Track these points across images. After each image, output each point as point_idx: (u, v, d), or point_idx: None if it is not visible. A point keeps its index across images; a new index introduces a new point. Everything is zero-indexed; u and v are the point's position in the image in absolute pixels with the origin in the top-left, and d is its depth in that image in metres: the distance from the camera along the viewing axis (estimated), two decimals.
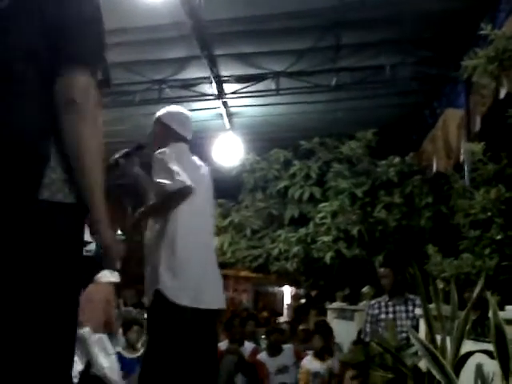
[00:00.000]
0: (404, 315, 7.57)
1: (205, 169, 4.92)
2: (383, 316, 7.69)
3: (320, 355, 8.63)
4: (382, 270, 8.04)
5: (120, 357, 8.65)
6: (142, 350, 8.78)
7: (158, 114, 4.93)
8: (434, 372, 4.28)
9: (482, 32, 5.70)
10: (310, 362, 8.65)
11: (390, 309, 7.74)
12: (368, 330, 7.78)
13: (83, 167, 2.41)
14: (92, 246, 7.78)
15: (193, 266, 4.30)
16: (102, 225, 2.48)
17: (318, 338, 8.78)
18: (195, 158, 4.89)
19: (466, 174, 8.43)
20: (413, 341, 4.88)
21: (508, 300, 5.13)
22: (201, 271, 4.33)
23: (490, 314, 4.16)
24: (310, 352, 8.89)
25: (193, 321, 4.20)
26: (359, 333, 8.47)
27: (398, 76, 10.13)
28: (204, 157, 5.52)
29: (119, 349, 8.84)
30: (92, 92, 2.43)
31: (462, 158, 8.85)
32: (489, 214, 6.21)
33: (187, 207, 4.40)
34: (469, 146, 6.96)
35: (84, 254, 2.59)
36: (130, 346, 8.96)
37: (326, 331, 9.20)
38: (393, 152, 10.87)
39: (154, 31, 9.09)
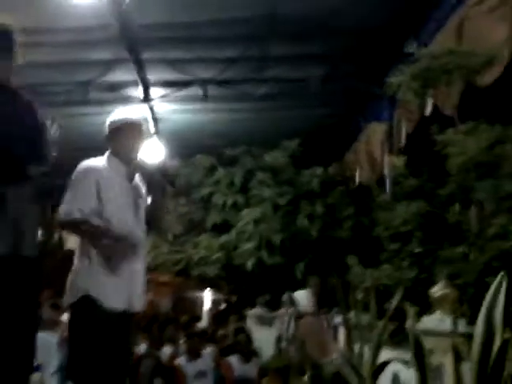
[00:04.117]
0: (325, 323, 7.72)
1: None
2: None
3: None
4: (314, 279, 8.21)
5: None
6: None
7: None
8: (352, 379, 4.40)
9: (407, 50, 5.85)
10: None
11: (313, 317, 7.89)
12: (289, 336, 7.89)
13: None
14: None
15: None
16: None
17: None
18: None
19: (387, 187, 8.63)
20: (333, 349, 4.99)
21: (425, 310, 5.28)
22: None
23: (408, 325, 4.29)
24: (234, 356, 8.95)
25: None
26: (278, 339, 8.56)
27: (324, 88, 10.29)
28: None
29: None
30: None
31: (385, 171, 9.05)
32: (409, 227, 6.39)
33: None
34: (391, 160, 7.14)
35: None
36: None
37: (246, 336, 9.29)
38: (316, 162, 11.01)
39: (81, 32, 8.96)
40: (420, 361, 4.10)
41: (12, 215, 3.41)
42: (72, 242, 17.87)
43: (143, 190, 4.63)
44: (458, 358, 4.05)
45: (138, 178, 4.62)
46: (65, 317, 11.21)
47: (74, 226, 4.39)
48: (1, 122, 3.41)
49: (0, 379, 3.23)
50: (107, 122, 4.58)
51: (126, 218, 4.41)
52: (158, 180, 4.69)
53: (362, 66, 9.75)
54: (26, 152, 3.44)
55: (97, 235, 4.33)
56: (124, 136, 4.50)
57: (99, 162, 4.51)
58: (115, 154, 4.51)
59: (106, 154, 4.56)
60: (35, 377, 8.21)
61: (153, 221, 4.69)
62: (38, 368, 8.32)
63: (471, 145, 5.34)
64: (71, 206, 4.30)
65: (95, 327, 4.30)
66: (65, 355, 9.63)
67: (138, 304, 4.47)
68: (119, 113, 4.63)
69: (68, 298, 4.40)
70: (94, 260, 4.34)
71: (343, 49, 9.36)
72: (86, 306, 4.32)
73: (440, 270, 5.66)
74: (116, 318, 4.29)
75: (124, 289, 4.33)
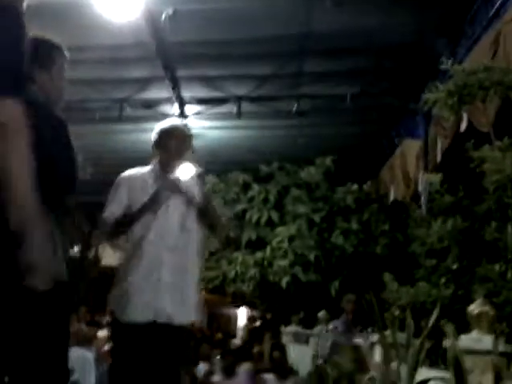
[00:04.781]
0: (361, 341, 7.70)
1: None
2: (344, 341, 7.83)
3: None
4: (349, 296, 8.20)
5: None
6: None
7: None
8: None
9: (442, 67, 5.82)
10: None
11: (349, 334, 7.89)
12: (327, 353, 7.89)
13: (14, 194, 2.44)
14: None
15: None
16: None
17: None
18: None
19: (423, 203, 8.58)
20: (369, 367, 4.97)
21: (463, 328, 5.23)
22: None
23: (448, 343, 4.26)
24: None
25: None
26: (315, 357, 8.55)
27: (359, 105, 10.27)
28: None
29: None
30: (19, 119, 2.37)
31: (419, 187, 9.00)
32: (445, 243, 6.34)
33: None
34: (427, 177, 7.10)
35: None
36: None
37: (282, 353, 9.29)
38: (351, 179, 11.00)
39: (117, 50, 9.08)
40: (460, 379, 4.07)
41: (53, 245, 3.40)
42: (108, 258, 18.06)
43: (193, 194, 4.50)
44: (498, 378, 4.02)
45: (187, 183, 4.49)
46: (101, 333, 11.31)
47: (113, 229, 4.38)
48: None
49: None
50: (156, 131, 4.58)
51: (154, 228, 4.36)
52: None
53: (396, 82, 9.72)
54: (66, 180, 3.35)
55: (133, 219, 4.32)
56: (173, 141, 4.49)
57: (140, 171, 4.54)
58: (163, 161, 4.50)
59: (152, 163, 4.56)
60: None
61: (207, 220, 4.51)
62: None
63: (507, 161, 5.30)
64: (106, 213, 4.36)
65: (119, 343, 4.34)
66: (101, 372, 9.73)
67: (180, 316, 4.29)
68: (168, 121, 4.70)
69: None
70: (118, 275, 4.38)
71: (377, 66, 9.36)
72: (112, 321, 4.41)
73: (477, 288, 5.61)
74: (142, 332, 4.20)
75: (144, 300, 4.24)
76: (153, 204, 4.35)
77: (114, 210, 4.35)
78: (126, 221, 4.33)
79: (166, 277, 4.30)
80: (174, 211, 4.42)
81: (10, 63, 2.44)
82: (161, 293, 4.27)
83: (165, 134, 4.53)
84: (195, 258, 4.50)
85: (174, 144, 4.50)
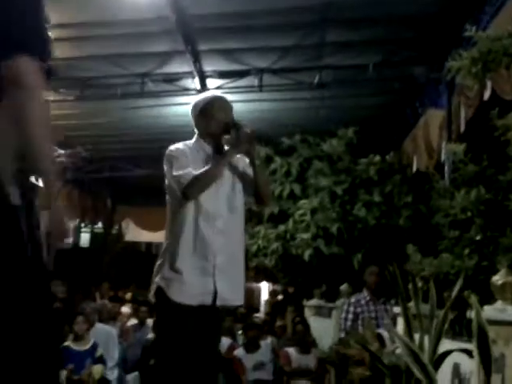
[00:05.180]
0: (385, 314, 7.67)
1: None
2: (366, 314, 7.81)
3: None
4: (372, 268, 8.15)
5: (67, 350, 8.29)
6: (91, 343, 8.51)
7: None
8: (414, 370, 4.33)
9: (466, 34, 5.70)
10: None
11: (372, 307, 7.87)
12: (348, 327, 7.87)
13: (31, 138, 2.43)
14: None
15: None
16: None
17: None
18: None
19: (446, 174, 8.51)
20: (392, 339, 4.91)
21: (486, 299, 5.17)
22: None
23: (472, 314, 4.20)
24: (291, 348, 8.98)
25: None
26: (338, 330, 8.55)
27: (381, 75, 10.18)
28: None
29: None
30: (37, 74, 2.44)
31: (442, 157, 8.93)
32: (469, 214, 6.26)
33: None
34: (450, 147, 7.00)
35: None
36: (78, 338, 8.60)
37: (304, 327, 9.30)
38: (374, 150, 10.90)
39: (137, 25, 9.07)
40: (484, 351, 4.02)
41: None
42: (130, 235, 18.15)
43: (240, 164, 4.46)
44: None
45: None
46: (124, 309, 11.38)
47: (194, 183, 4.22)
48: None
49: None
50: (197, 103, 4.52)
51: (203, 211, 4.27)
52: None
53: (419, 52, 9.62)
54: None
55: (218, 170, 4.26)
56: (216, 110, 4.41)
57: (185, 144, 4.46)
58: (208, 132, 4.42)
59: (194, 137, 4.51)
60: (97, 368, 8.34)
61: (258, 189, 4.41)
62: (100, 360, 8.45)
63: None
64: (179, 173, 4.25)
65: (169, 322, 4.27)
66: (124, 347, 9.78)
67: (228, 299, 4.30)
68: (206, 93, 4.65)
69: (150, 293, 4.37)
70: (167, 256, 4.31)
71: (399, 35, 9.26)
72: (162, 301, 4.27)
73: (501, 258, 5.53)
74: (192, 315, 4.18)
75: (194, 284, 4.20)
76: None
77: (182, 171, 4.23)
78: (202, 177, 4.23)
79: (215, 260, 4.24)
80: (222, 191, 4.35)
81: (33, 24, 2.50)
82: (211, 276, 4.22)
83: (207, 105, 4.45)
84: (242, 238, 4.45)
85: (217, 114, 4.40)
